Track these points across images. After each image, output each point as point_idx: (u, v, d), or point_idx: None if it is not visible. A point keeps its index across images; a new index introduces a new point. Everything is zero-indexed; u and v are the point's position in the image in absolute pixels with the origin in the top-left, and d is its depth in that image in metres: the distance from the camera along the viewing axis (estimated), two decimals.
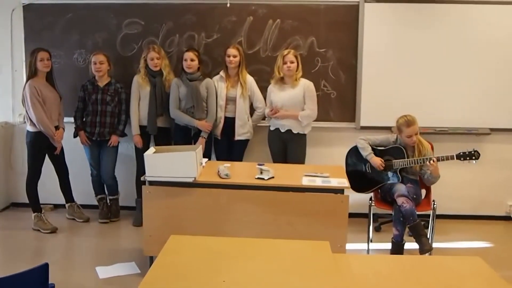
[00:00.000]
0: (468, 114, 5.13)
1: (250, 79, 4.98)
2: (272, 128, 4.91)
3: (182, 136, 4.97)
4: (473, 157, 4.17)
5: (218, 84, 4.97)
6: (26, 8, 5.26)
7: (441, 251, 4.44)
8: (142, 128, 5.01)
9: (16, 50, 5.38)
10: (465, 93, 5.09)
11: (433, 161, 4.14)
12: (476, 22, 5.00)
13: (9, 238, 4.76)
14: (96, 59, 4.92)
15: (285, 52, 4.73)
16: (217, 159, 5.03)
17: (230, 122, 4.96)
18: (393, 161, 4.33)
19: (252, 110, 5.06)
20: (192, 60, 4.83)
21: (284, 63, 4.68)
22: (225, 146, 5.04)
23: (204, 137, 4.88)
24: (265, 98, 4.98)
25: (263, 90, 4.98)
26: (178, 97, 4.89)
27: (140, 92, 4.98)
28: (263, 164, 4.01)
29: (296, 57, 4.70)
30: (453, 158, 4.17)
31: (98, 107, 4.98)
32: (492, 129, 5.15)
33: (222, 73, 4.98)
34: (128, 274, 3.95)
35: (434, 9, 5.01)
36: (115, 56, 5.18)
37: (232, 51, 4.87)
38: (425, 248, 3.96)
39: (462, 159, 4.18)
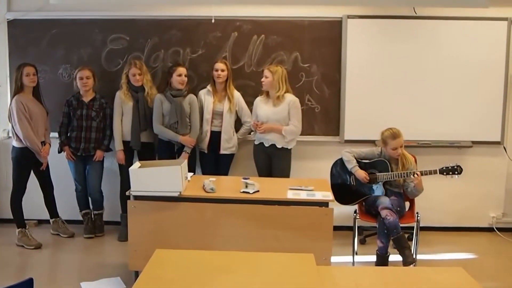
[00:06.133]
0: (451, 127, 5.20)
1: (237, 94, 5.02)
2: (256, 143, 4.94)
3: (166, 151, 4.98)
4: (456, 172, 4.24)
5: (205, 98, 5.00)
6: (11, 23, 5.25)
7: (425, 262, 4.47)
8: (125, 143, 5.00)
9: (0, 65, 5.34)
10: (447, 106, 5.17)
11: (417, 174, 4.21)
12: (458, 37, 5.10)
13: None
14: (83, 74, 4.91)
15: (266, 66, 4.82)
16: (203, 173, 5.04)
17: (216, 136, 4.98)
18: (377, 174, 4.37)
19: (239, 124, 5.09)
20: (186, 75, 4.88)
21: (261, 78, 4.76)
22: (211, 160, 5.06)
23: (188, 152, 4.90)
24: (251, 111, 5.02)
25: (248, 104, 5.03)
26: (161, 113, 4.90)
27: (123, 108, 4.99)
28: (248, 178, 4.03)
29: (272, 73, 4.71)
30: (436, 173, 4.23)
31: (83, 123, 4.97)
32: (474, 142, 5.23)
33: (209, 87, 5.02)
34: None
35: (416, 25, 5.10)
36: (100, 72, 5.18)
37: (220, 65, 4.92)
38: (408, 260, 4.00)
39: (445, 173, 4.24)
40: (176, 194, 3.79)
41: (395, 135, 4.30)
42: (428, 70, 5.14)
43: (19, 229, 4.86)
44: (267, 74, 4.73)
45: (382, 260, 4.18)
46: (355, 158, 4.49)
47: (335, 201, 3.93)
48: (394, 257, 4.19)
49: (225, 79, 4.94)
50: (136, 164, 4.03)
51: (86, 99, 4.99)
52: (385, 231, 4.11)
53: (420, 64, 5.13)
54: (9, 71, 5.26)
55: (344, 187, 4.53)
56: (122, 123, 5.00)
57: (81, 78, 4.92)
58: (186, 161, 4.18)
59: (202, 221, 3.82)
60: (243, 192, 3.88)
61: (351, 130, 5.23)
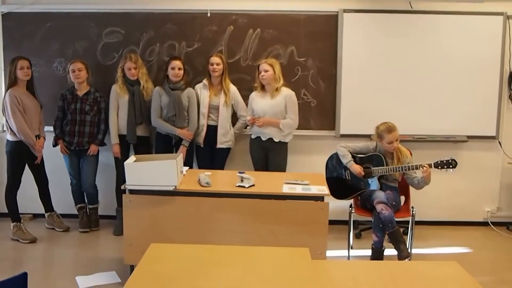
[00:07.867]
0: (446, 122, 5.20)
1: (233, 88, 5.01)
2: (253, 137, 4.93)
3: (163, 144, 4.98)
4: (450, 166, 4.23)
5: (201, 92, 4.99)
6: (5, 16, 5.22)
7: (420, 257, 4.49)
8: (121, 137, 4.99)
9: None
10: (443, 101, 5.17)
11: (426, 167, 4.19)
12: (453, 32, 5.09)
13: None
14: (75, 67, 4.88)
15: (262, 61, 4.79)
16: (199, 167, 5.04)
17: (212, 130, 4.97)
18: (372, 168, 4.38)
19: (235, 118, 5.09)
20: (179, 68, 4.86)
21: (259, 72, 4.73)
22: (207, 154, 5.05)
23: (186, 146, 4.89)
24: (247, 105, 5.01)
25: (244, 98, 5.02)
26: (159, 106, 4.90)
27: (119, 101, 4.97)
28: (244, 172, 4.03)
29: (271, 65, 4.71)
30: (431, 167, 4.23)
31: (77, 117, 4.95)
32: (469, 137, 5.24)
33: (205, 81, 5.01)
34: (108, 284, 3.92)
35: (412, 19, 5.10)
36: (96, 65, 5.16)
37: (215, 59, 4.90)
38: (403, 255, 4.01)
39: (439, 167, 4.24)
40: (171, 188, 3.78)
41: (390, 128, 4.31)
42: (424, 65, 5.13)
43: (14, 223, 4.85)
44: (266, 68, 4.70)
45: (377, 254, 4.19)
46: (350, 152, 4.49)
47: (331, 195, 3.93)
48: (389, 251, 4.20)
49: (220, 73, 4.93)
50: (132, 158, 4.02)
51: (80, 92, 4.97)
52: (381, 225, 4.12)
53: (416, 58, 5.13)
54: (4, 64, 5.23)
55: (339, 182, 4.53)
56: (118, 117, 4.99)
57: (73, 71, 4.89)
58: (181, 155, 4.17)
59: (198, 215, 3.81)
60: (239, 186, 3.88)
61: (347, 125, 5.23)
